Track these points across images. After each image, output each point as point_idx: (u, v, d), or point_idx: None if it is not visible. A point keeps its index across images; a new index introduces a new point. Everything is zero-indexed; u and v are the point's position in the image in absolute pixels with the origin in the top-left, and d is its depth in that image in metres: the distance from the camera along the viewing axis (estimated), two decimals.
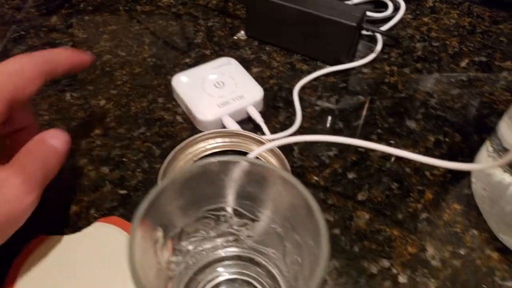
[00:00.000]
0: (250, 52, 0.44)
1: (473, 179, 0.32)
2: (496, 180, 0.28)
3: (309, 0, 0.41)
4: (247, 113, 0.36)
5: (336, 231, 0.30)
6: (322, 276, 0.16)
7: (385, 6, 0.48)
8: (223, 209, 0.22)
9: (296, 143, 0.36)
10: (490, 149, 0.30)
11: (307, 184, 0.33)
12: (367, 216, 0.31)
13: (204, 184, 0.20)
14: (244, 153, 0.33)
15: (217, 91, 0.37)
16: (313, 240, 0.18)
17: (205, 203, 0.22)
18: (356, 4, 0.48)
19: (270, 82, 0.41)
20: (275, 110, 0.38)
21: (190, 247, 0.23)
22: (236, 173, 0.20)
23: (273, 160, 0.33)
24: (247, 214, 0.22)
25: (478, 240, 0.30)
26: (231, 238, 0.24)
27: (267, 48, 0.45)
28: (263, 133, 0.35)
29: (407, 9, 0.49)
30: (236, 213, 0.22)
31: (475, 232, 0.30)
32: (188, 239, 0.22)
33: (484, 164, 0.30)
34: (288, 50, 0.44)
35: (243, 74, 0.39)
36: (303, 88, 0.40)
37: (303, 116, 0.38)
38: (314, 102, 0.39)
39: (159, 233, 0.20)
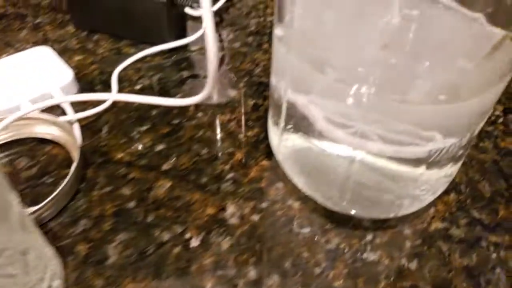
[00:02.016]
0: (75, 43, 0.42)
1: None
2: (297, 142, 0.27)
3: None
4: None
5: (131, 204, 0.28)
6: None
7: None
8: None
9: (107, 122, 0.33)
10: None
11: (109, 161, 0.30)
12: (168, 184, 0.29)
13: None
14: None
15: (19, 78, 0.34)
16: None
17: None
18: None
19: (91, 67, 0.39)
20: (92, 93, 0.36)
21: None
22: None
23: (64, 138, 0.30)
24: None
25: (282, 192, 0.28)
26: None
27: (95, 37, 0.42)
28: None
29: None
30: None
31: (280, 185, 0.29)
32: None
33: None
34: (116, 37, 0.42)
35: (53, 61, 0.36)
36: (126, 71, 0.38)
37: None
38: (135, 81, 0.37)
39: None
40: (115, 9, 0.40)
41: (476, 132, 0.24)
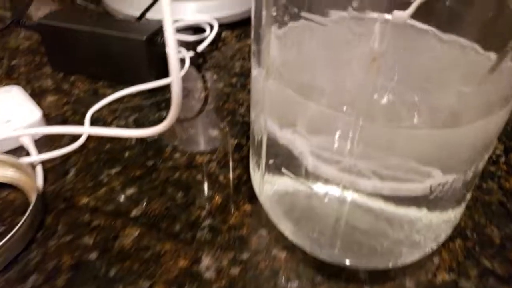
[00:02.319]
0: (50, 83, 0.40)
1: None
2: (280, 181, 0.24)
3: (101, 21, 0.38)
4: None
5: (92, 255, 0.24)
6: None
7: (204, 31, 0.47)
8: None
9: (74, 165, 0.30)
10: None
11: (73, 207, 0.27)
12: (136, 232, 0.25)
13: None
14: None
15: None
16: None
17: None
18: (181, 45, 0.45)
19: (64, 108, 0.36)
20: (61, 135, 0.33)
21: None
22: None
23: (23, 181, 0.27)
24: None
25: (266, 241, 0.25)
26: None
27: (72, 79, 0.40)
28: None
29: (232, 32, 0.48)
30: None
31: (264, 232, 0.26)
32: None
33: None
34: (94, 78, 0.40)
35: (22, 101, 0.34)
36: (101, 111, 0.36)
37: (90, 136, 0.33)
38: (109, 122, 0.35)
39: None
40: (93, 50, 0.38)
41: (480, 168, 0.21)
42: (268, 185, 0.25)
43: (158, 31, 0.37)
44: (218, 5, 0.48)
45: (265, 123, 0.22)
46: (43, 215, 0.26)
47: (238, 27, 0.50)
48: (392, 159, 0.19)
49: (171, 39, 0.19)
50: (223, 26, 0.48)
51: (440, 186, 0.20)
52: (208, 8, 0.48)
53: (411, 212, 0.21)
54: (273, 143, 0.22)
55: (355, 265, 0.23)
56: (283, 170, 0.22)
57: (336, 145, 0.19)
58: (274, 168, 0.23)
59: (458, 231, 0.26)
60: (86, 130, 0.27)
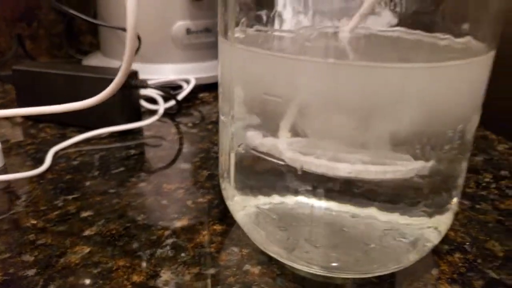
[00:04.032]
0: (18, 130, 0.38)
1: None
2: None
3: (75, 66, 0.38)
4: None
5: (30, 272, 0.20)
6: None
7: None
8: None
9: (29, 192, 0.27)
10: None
11: (17, 228, 0.23)
12: (87, 250, 0.22)
13: None
14: None
15: None
16: None
17: None
18: (157, 88, 0.45)
19: (27, 147, 0.34)
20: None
21: None
22: None
23: None
24: None
25: (237, 257, 0.22)
26: None
27: (41, 125, 0.39)
28: None
29: (209, 93, 0.48)
30: None
31: (236, 249, 0.22)
32: None
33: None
34: (64, 124, 0.39)
35: None
36: (66, 150, 0.34)
37: (50, 168, 0.30)
38: (73, 158, 0.32)
39: None
40: (65, 94, 0.37)
41: (463, 167, 0.19)
42: (240, 200, 0.22)
43: (132, 74, 0.37)
44: (195, 67, 0.49)
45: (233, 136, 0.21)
46: None
47: (215, 89, 0.50)
48: (368, 135, 0.17)
49: None
50: (201, 87, 0.49)
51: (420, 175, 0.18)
52: (187, 70, 0.49)
53: (391, 216, 0.19)
54: (241, 151, 0.20)
55: (337, 275, 0.20)
56: (252, 184, 0.20)
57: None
58: (244, 184, 0.21)
59: (455, 246, 0.23)
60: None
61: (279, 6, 0.17)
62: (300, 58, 0.16)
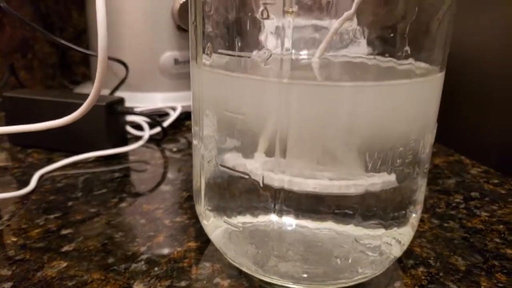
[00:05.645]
0: (5, 155, 0.39)
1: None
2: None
3: (63, 93, 0.39)
4: None
5: (6, 285, 0.21)
6: None
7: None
8: None
9: (12, 212, 0.28)
10: None
11: None
12: (64, 264, 0.23)
13: None
14: None
15: None
16: None
17: None
18: (143, 114, 0.46)
19: (14, 170, 0.35)
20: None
21: None
22: None
23: None
24: None
25: (208, 271, 0.22)
26: None
27: (29, 151, 0.40)
28: None
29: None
30: None
31: (208, 264, 0.23)
32: None
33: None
34: (51, 150, 0.40)
35: None
36: (52, 173, 0.35)
37: (35, 190, 0.31)
38: (58, 181, 0.33)
39: None
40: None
41: (418, 179, 0.21)
42: (213, 219, 0.23)
43: (118, 101, 0.39)
44: (183, 95, 0.51)
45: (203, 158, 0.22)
46: None
47: None
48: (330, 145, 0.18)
49: None
50: (188, 114, 0.50)
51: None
52: (174, 98, 0.50)
53: (346, 227, 0.20)
54: (213, 171, 0.21)
55: (303, 285, 0.20)
56: (221, 204, 0.21)
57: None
58: (214, 204, 0.22)
59: (420, 260, 0.24)
60: None
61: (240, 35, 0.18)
62: (254, 77, 0.17)
